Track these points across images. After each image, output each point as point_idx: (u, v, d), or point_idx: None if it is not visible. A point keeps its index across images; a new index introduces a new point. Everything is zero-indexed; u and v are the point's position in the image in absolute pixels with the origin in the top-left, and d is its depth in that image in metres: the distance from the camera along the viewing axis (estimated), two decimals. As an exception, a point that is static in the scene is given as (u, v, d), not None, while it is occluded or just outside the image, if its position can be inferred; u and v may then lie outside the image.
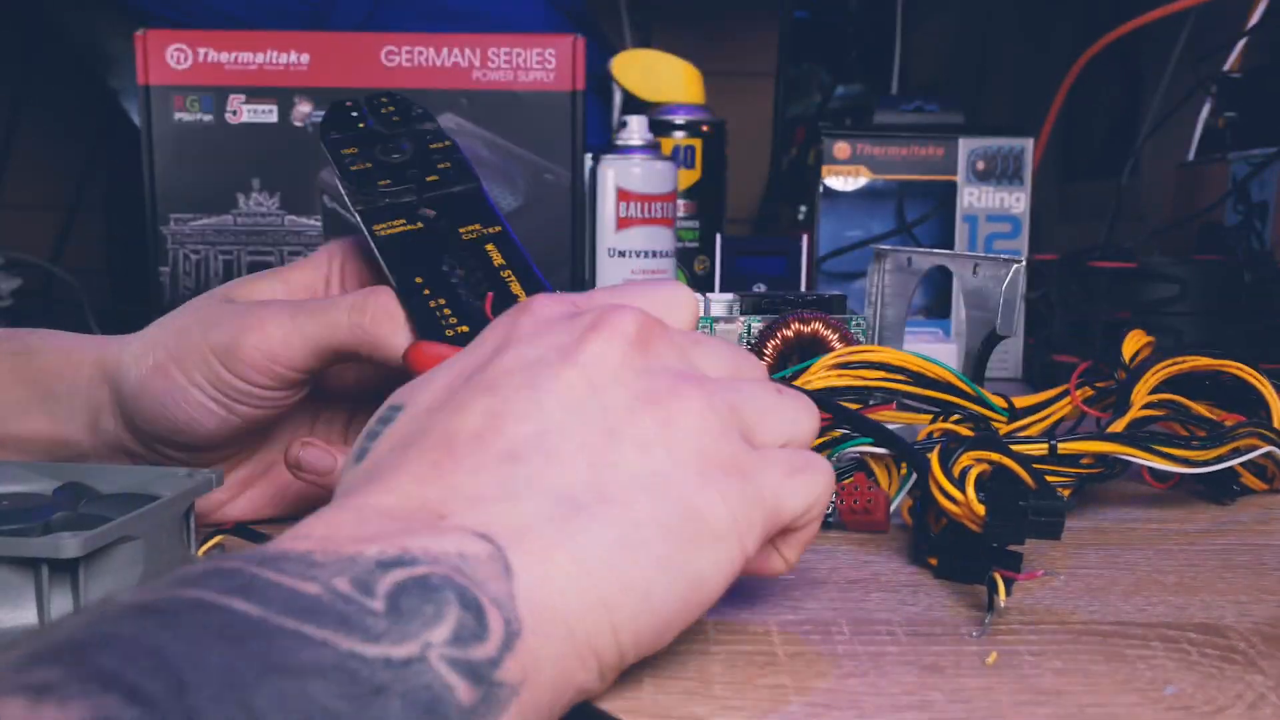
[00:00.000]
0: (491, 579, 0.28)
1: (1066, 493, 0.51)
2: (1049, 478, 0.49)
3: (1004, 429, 0.56)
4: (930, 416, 0.57)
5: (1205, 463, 0.51)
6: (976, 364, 0.61)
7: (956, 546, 0.43)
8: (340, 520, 0.29)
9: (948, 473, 0.42)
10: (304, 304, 0.46)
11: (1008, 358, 0.96)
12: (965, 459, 0.44)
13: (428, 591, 0.26)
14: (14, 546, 0.36)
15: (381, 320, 0.44)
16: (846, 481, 0.50)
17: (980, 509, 0.41)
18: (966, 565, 0.43)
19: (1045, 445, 0.50)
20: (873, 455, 0.51)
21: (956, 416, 0.56)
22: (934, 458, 0.43)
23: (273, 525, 0.49)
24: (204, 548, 0.43)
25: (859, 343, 0.61)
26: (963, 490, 0.42)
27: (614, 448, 0.32)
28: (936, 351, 0.60)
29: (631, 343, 0.34)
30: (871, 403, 0.59)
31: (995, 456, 0.44)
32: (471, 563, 0.28)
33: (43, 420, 0.48)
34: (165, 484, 0.43)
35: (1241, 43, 1.05)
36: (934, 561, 0.44)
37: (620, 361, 0.34)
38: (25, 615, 0.36)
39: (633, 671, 0.33)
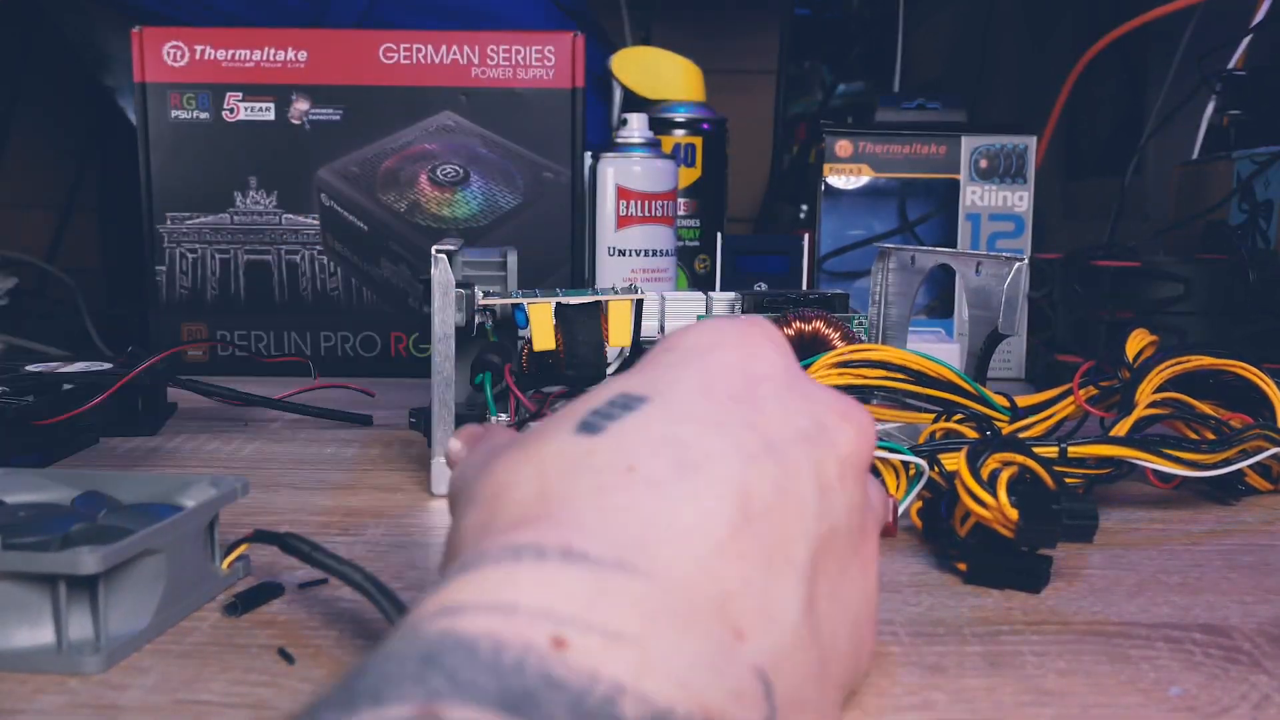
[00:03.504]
0: None
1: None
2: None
3: (1006, 428, 0.56)
4: (933, 416, 0.57)
5: (1214, 465, 0.51)
6: (979, 363, 0.60)
7: (985, 550, 0.43)
8: (653, 598, 0.23)
9: (977, 476, 0.42)
10: None
11: (1010, 357, 0.95)
12: (992, 462, 0.43)
13: None
14: (29, 562, 0.34)
15: None
16: None
17: (1013, 513, 0.41)
18: (997, 569, 0.42)
19: (1055, 448, 0.50)
20: (879, 458, 0.50)
21: (959, 416, 0.55)
22: (962, 461, 0.43)
23: (283, 529, 0.48)
24: (228, 559, 0.42)
25: (860, 341, 0.61)
26: (994, 494, 0.41)
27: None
28: (939, 351, 0.59)
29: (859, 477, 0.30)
30: (874, 401, 0.59)
31: (1020, 459, 0.44)
32: None
33: None
34: (189, 493, 0.42)
35: (1246, 40, 1.04)
36: (963, 567, 0.43)
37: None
38: (42, 635, 0.35)
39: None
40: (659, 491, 0.25)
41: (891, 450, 0.50)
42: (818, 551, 0.27)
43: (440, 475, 0.55)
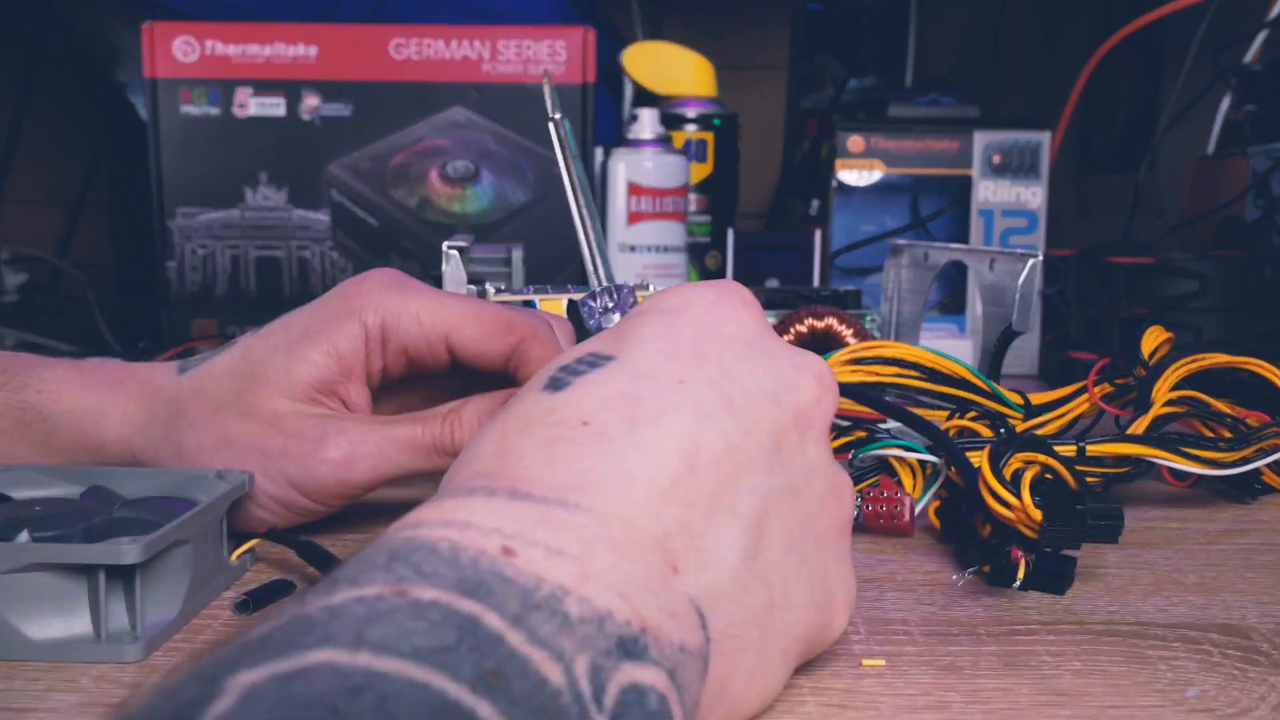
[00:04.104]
0: (690, 685, 0.26)
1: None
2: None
3: (1020, 426, 0.56)
4: (946, 413, 0.56)
5: (1232, 464, 0.50)
6: (992, 360, 0.60)
7: (1007, 552, 0.42)
8: (593, 527, 0.26)
9: (999, 476, 0.41)
10: (392, 431, 0.45)
11: (1024, 354, 0.95)
12: (1015, 461, 0.43)
13: (646, 717, 0.23)
14: (70, 553, 0.35)
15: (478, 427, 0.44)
16: (870, 485, 0.49)
17: (1037, 514, 0.40)
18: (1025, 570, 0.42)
19: (1073, 447, 0.50)
20: (896, 457, 0.50)
21: (973, 413, 0.55)
22: (984, 461, 0.42)
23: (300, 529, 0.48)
24: (238, 552, 0.42)
25: (873, 338, 0.60)
26: (1017, 495, 0.41)
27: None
28: (952, 348, 0.59)
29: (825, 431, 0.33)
30: (887, 398, 0.58)
31: (1042, 458, 0.43)
32: (684, 666, 0.25)
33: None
34: (195, 486, 0.42)
35: (1262, 35, 1.04)
36: (987, 569, 0.43)
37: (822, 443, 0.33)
38: (78, 625, 0.35)
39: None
40: (607, 444, 0.28)
41: (908, 449, 0.50)
42: (771, 504, 0.30)
43: None
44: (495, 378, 0.47)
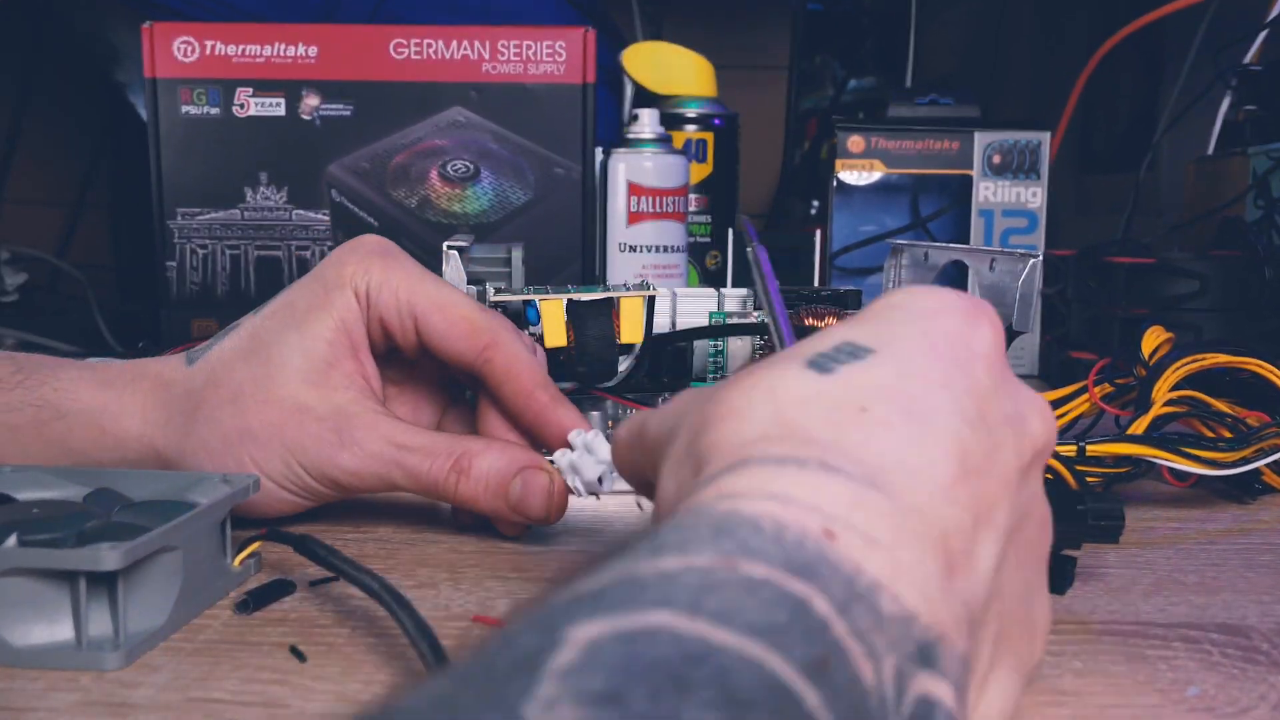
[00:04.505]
0: (964, 700, 0.24)
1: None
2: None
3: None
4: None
5: (1233, 464, 0.50)
6: (992, 359, 0.60)
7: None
8: (897, 515, 0.25)
9: None
10: (402, 457, 0.45)
11: (1024, 354, 0.95)
12: None
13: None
14: (50, 559, 0.34)
15: (479, 492, 0.45)
16: None
17: None
18: None
19: (1074, 446, 0.50)
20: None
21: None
22: None
23: (293, 528, 0.48)
24: (240, 556, 0.42)
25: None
26: None
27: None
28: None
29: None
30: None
31: None
32: (962, 680, 0.24)
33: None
34: (201, 490, 0.42)
35: (1262, 35, 1.04)
36: None
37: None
38: (61, 631, 0.35)
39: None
40: (891, 432, 0.26)
41: None
42: (1011, 525, 0.28)
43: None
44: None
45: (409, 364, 0.50)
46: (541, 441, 0.47)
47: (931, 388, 0.28)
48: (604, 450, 0.45)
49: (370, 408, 0.46)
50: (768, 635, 0.19)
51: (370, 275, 0.46)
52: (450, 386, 0.52)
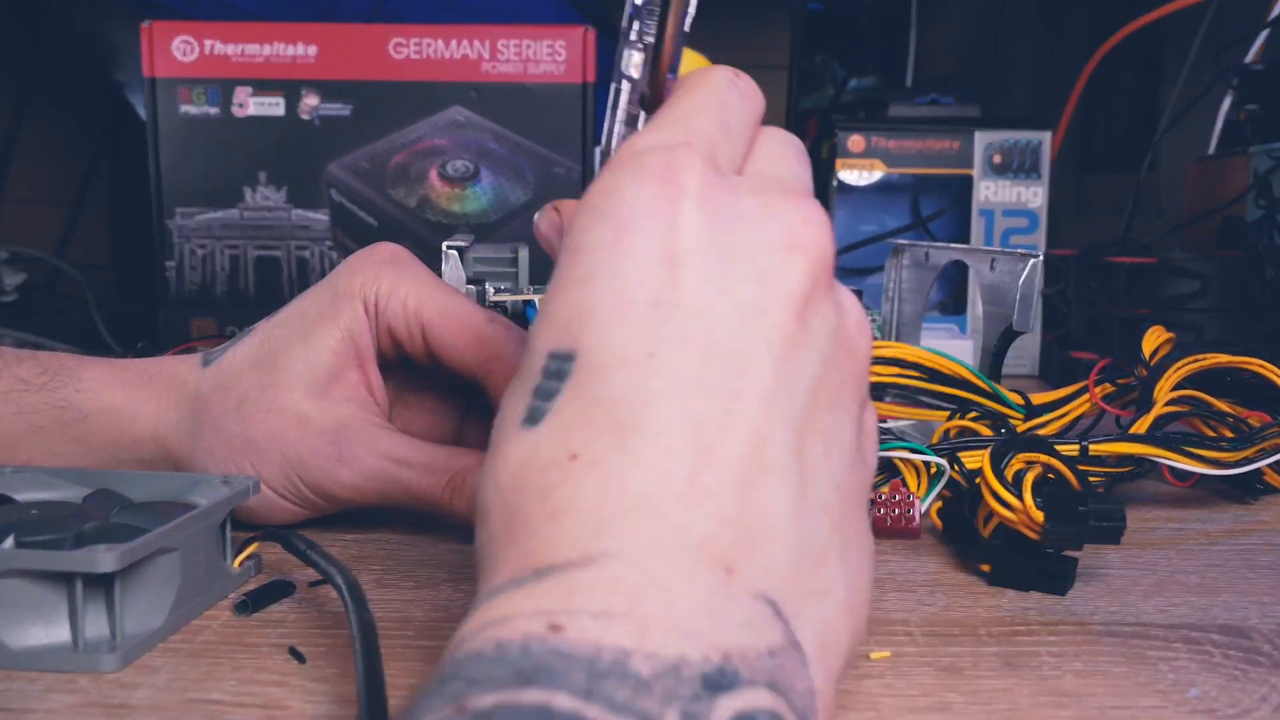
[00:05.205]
0: (795, 681, 0.23)
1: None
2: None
3: (1021, 426, 0.55)
4: (946, 414, 0.56)
5: (1234, 464, 0.50)
6: (993, 360, 0.60)
7: (1009, 552, 0.42)
8: (629, 573, 0.23)
9: (1001, 477, 0.41)
10: (398, 474, 0.46)
11: (1025, 354, 0.95)
12: (1017, 462, 0.43)
13: None
14: (46, 560, 0.34)
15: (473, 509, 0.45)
16: (882, 489, 0.49)
17: (1039, 515, 0.40)
18: (1022, 571, 0.42)
19: (1076, 446, 0.50)
20: (902, 459, 0.50)
21: (974, 414, 0.55)
22: (986, 462, 0.42)
23: (303, 528, 0.48)
24: (239, 558, 0.42)
25: (874, 339, 0.60)
26: (1019, 496, 0.41)
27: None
28: (953, 348, 0.59)
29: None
30: (888, 399, 0.58)
31: (1044, 458, 0.43)
32: (782, 668, 0.23)
33: None
34: (200, 491, 0.42)
35: (1263, 35, 1.03)
36: (987, 569, 0.43)
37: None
38: (58, 633, 0.35)
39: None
40: (603, 472, 0.24)
41: (913, 450, 0.49)
42: (801, 421, 0.26)
43: None
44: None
45: (426, 371, 0.50)
46: None
47: (637, 373, 0.25)
48: None
49: (370, 421, 0.46)
50: None
51: (380, 284, 0.46)
52: (471, 391, 0.52)
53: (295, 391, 0.45)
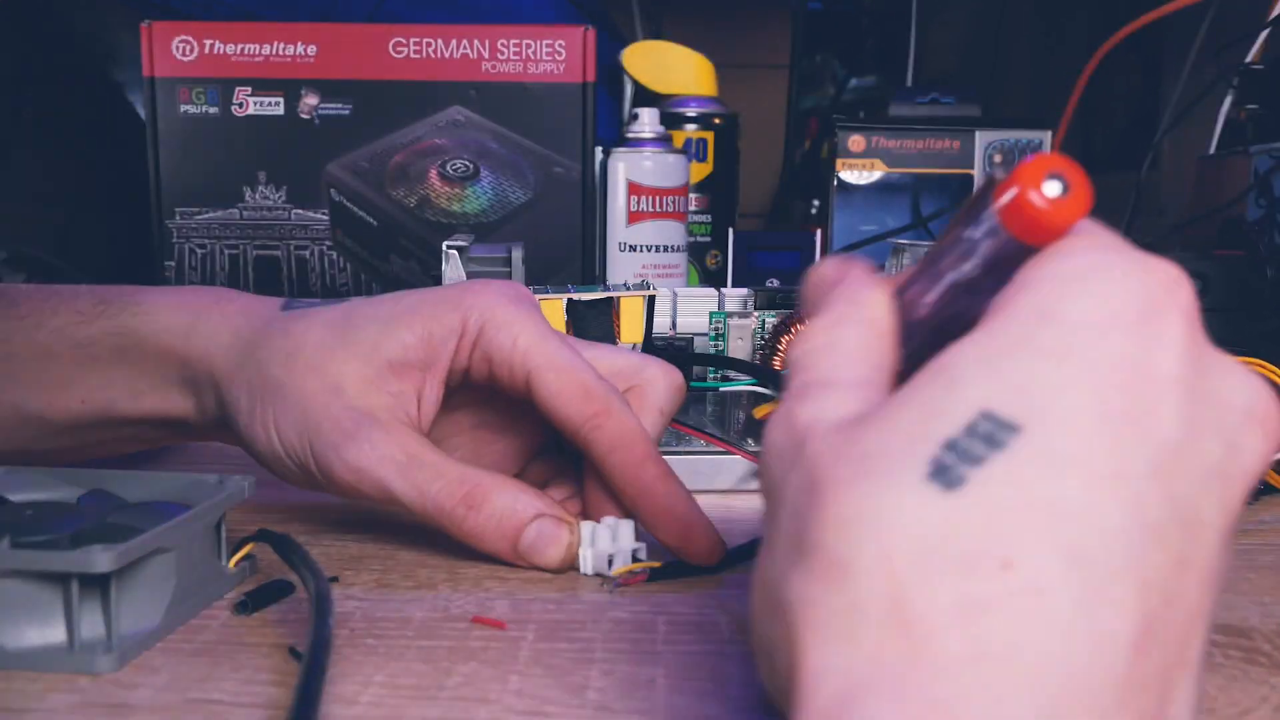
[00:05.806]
0: None
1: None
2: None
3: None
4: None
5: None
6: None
7: None
8: None
9: None
10: (416, 477, 0.44)
11: (1024, 353, 0.95)
12: None
13: None
14: (42, 560, 0.34)
15: (486, 529, 0.44)
16: None
17: None
18: None
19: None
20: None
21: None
22: None
23: (294, 527, 0.48)
24: (235, 558, 0.42)
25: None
26: None
27: None
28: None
29: None
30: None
31: None
32: None
33: (154, 400, 0.48)
34: (196, 492, 0.41)
35: (1264, 34, 1.03)
36: None
37: None
38: (53, 634, 0.35)
39: (646, 672, 0.33)
40: (1043, 607, 0.20)
41: None
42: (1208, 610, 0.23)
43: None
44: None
45: (513, 409, 0.49)
46: (643, 515, 0.45)
47: (1098, 489, 0.21)
48: (627, 535, 0.44)
49: (399, 418, 0.45)
50: None
51: (495, 313, 0.45)
52: (545, 433, 0.50)
53: (347, 364, 0.45)
